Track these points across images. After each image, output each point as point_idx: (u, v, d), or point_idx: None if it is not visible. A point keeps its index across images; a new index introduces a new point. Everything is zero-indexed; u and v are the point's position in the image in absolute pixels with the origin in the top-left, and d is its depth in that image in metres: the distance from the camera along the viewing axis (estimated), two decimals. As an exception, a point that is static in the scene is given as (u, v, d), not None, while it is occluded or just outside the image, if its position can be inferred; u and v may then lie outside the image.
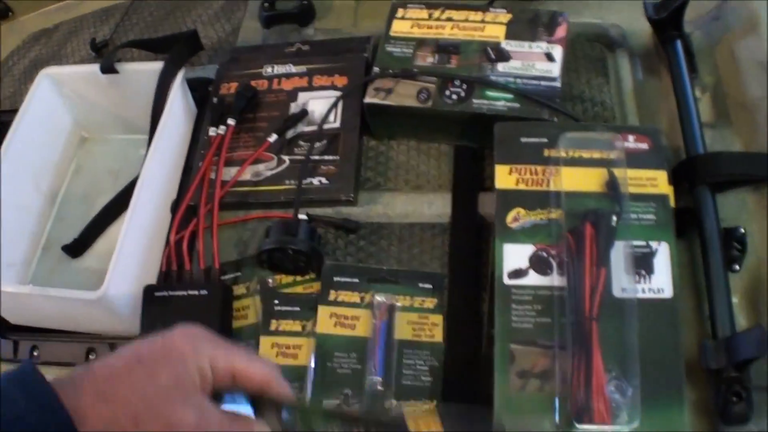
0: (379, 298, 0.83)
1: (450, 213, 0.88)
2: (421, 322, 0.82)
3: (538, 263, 0.75)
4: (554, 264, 0.75)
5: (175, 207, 0.90)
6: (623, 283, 0.74)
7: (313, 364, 0.81)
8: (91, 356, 0.90)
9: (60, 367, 0.91)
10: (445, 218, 0.88)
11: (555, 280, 0.75)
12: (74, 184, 1.09)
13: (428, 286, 0.84)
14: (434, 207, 0.90)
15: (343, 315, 0.83)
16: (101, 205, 1.01)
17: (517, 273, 0.75)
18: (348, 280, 0.84)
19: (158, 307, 0.83)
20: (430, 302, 0.84)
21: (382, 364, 0.80)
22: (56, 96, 1.05)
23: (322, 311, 0.83)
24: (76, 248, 0.99)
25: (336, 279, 0.84)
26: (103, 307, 0.81)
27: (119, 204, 0.97)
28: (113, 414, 0.50)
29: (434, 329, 0.82)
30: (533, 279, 0.75)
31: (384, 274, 0.85)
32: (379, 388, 0.79)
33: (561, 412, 0.70)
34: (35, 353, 0.93)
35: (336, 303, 0.83)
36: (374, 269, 0.86)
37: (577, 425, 0.68)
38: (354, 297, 0.84)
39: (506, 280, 0.75)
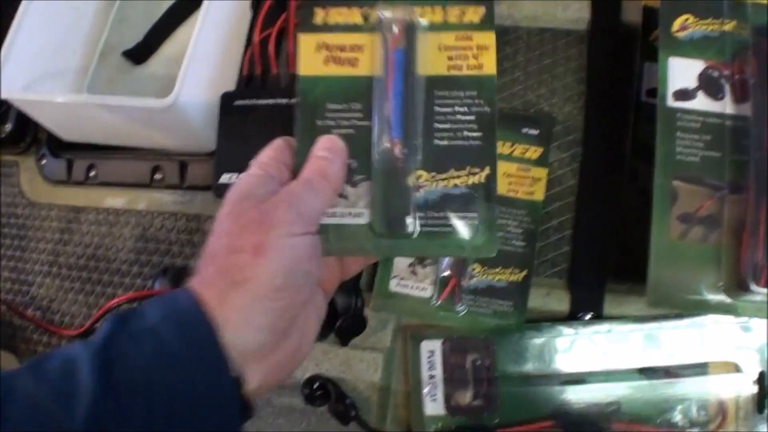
0: (388, 13, 0.51)
1: (588, 18, 0.69)
2: (461, 45, 0.52)
3: (709, 84, 0.59)
4: (726, 87, 0.57)
5: (257, 2, 0.71)
6: (804, 116, 0.57)
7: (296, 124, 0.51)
8: (156, 176, 0.74)
9: (121, 188, 0.76)
10: (582, 24, 0.70)
11: (727, 106, 0.58)
12: (136, -21, 0.89)
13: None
14: (570, 11, 0.70)
15: (337, 45, 0.52)
16: (168, 4, 0.84)
17: (684, 94, 0.58)
18: None
19: (238, 118, 0.68)
20: (473, 13, 0.52)
21: (400, 114, 0.50)
22: None
23: (305, 42, 0.52)
24: (140, 53, 0.83)
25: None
26: (172, 117, 0.66)
27: (190, 2, 0.79)
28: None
29: (482, 55, 0.51)
30: (702, 103, 0.58)
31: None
32: (398, 154, 0.50)
33: (726, 269, 0.55)
34: (92, 173, 0.78)
35: (326, 28, 0.52)
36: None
37: (754, 286, 0.53)
38: (354, 15, 0.52)
39: (671, 102, 0.58)
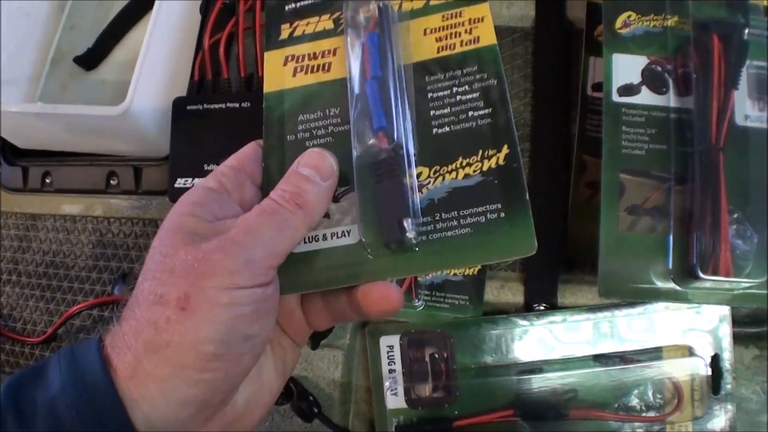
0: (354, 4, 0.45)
1: (533, 15, 0.68)
2: (450, 24, 0.44)
3: (652, 79, 0.58)
4: (670, 81, 0.57)
5: (206, 7, 0.69)
6: (746, 110, 0.57)
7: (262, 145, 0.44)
8: (112, 181, 0.72)
9: (78, 194, 0.74)
10: (527, 22, 0.69)
11: (671, 100, 0.58)
12: (85, -14, 0.87)
13: None
14: (515, 8, 0.69)
15: (307, 54, 0.45)
16: (118, 9, 0.81)
17: (628, 89, 0.58)
18: (308, 2, 0.47)
19: (191, 123, 0.65)
20: None
21: (378, 102, 0.41)
22: None
23: (271, 59, 0.46)
24: (91, 59, 0.80)
25: (289, 7, 0.48)
26: (126, 124, 0.65)
27: (139, 7, 0.78)
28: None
29: (477, 28, 0.43)
30: (646, 97, 0.58)
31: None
32: (384, 145, 0.40)
33: (675, 258, 0.54)
34: (48, 180, 0.76)
35: (293, 40, 0.46)
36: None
37: (702, 274, 0.53)
38: (324, 22, 0.46)
39: (616, 98, 0.57)
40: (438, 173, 0.40)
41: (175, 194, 0.64)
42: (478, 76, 0.41)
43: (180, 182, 0.63)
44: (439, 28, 0.43)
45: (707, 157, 0.55)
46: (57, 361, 0.35)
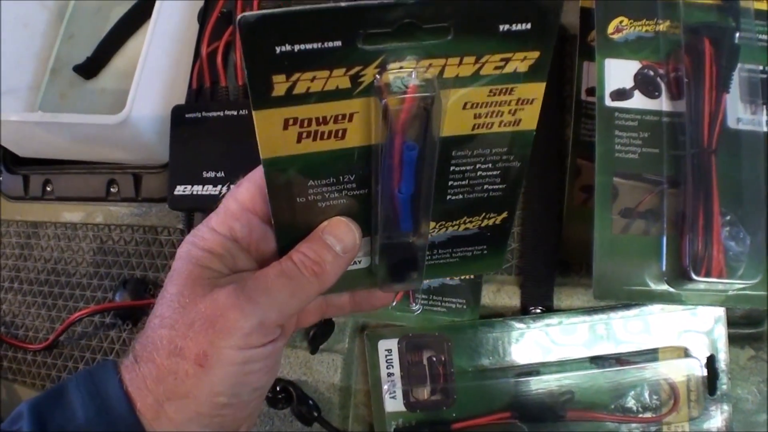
0: (398, 73, 0.33)
1: (527, 20, 0.68)
2: (496, 101, 0.36)
3: (645, 83, 0.59)
4: (662, 85, 0.57)
5: (204, 15, 0.70)
6: (738, 113, 0.57)
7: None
8: (112, 189, 0.73)
9: (78, 202, 0.74)
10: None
11: (663, 104, 0.58)
12: (84, -4, 0.87)
13: (521, 26, 0.32)
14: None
15: (315, 119, 0.34)
16: (116, 18, 0.82)
17: (621, 94, 0.58)
18: (313, 46, 0.31)
19: (189, 131, 0.66)
20: (519, 60, 0.34)
21: (407, 212, 0.39)
22: None
23: (265, 120, 0.34)
24: (90, 68, 0.82)
25: (283, 49, 0.31)
26: (125, 133, 0.65)
27: (137, 16, 0.79)
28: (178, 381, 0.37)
29: (522, 110, 0.37)
30: (639, 102, 0.58)
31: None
32: (406, 237, 0.41)
33: (668, 260, 0.55)
34: (48, 188, 0.76)
35: (294, 99, 0.33)
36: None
37: (695, 276, 0.53)
38: (338, 78, 0.33)
39: (609, 102, 0.58)
40: (443, 227, 0.43)
41: (175, 201, 0.64)
42: (504, 157, 0.39)
43: (179, 189, 0.64)
44: (482, 104, 0.36)
45: (700, 160, 0.55)
46: (77, 388, 0.38)
